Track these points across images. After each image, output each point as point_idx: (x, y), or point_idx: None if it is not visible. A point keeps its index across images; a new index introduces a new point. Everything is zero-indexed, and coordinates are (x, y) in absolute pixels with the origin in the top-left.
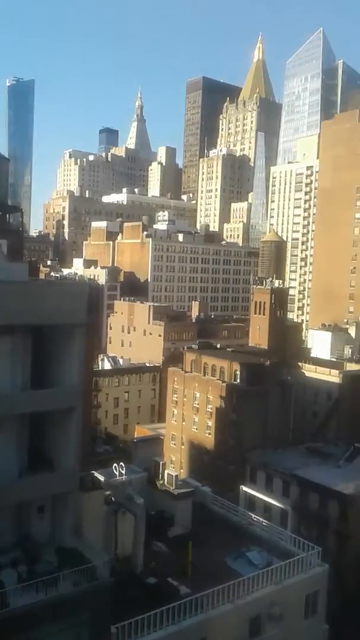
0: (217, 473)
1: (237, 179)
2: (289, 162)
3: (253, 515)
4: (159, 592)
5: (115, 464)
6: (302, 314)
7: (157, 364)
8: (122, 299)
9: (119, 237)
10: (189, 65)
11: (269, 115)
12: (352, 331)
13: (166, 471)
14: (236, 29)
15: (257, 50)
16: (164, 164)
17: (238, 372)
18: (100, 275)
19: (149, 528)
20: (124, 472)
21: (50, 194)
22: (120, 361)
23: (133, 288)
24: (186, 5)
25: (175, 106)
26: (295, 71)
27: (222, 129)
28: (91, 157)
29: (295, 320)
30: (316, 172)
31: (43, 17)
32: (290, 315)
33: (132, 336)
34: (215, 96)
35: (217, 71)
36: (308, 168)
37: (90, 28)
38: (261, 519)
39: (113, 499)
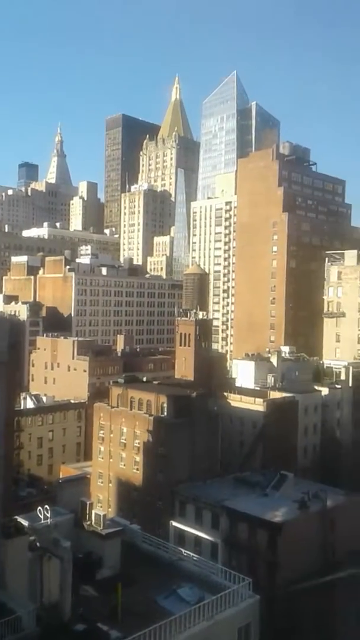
0: (146, 509)
1: (159, 213)
2: (209, 198)
3: (183, 551)
4: (89, 639)
5: (39, 507)
6: (226, 344)
7: (82, 400)
8: (44, 334)
9: (41, 271)
10: (108, 103)
11: (188, 152)
12: (274, 360)
13: (93, 511)
14: (154, 69)
15: (174, 91)
16: (85, 199)
17: (165, 405)
18: (21, 311)
19: (77, 572)
20: (49, 515)
21: None
22: (44, 399)
23: (56, 323)
24: (104, 45)
25: (95, 142)
26: (211, 111)
27: (143, 165)
28: (10, 192)
29: (220, 350)
30: (234, 207)
31: None
32: (214, 346)
33: (56, 372)
34: (135, 133)
35: (136, 109)
36: (227, 203)
37: (9, 61)
38: (191, 554)
39: (38, 544)
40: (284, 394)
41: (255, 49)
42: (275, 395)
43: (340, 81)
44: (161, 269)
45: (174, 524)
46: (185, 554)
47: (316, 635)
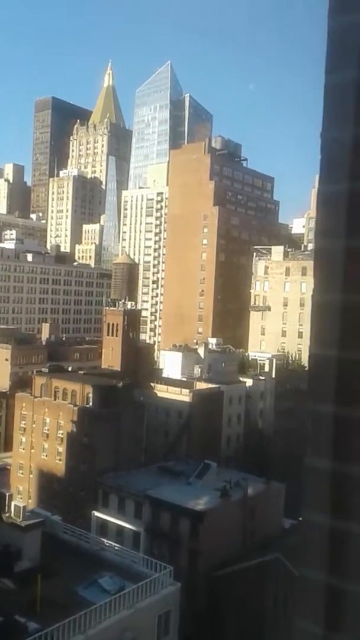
0: (69, 500)
1: (89, 200)
2: (140, 187)
3: (105, 541)
4: (5, 630)
5: None
6: (155, 335)
7: (3, 390)
8: None
9: None
10: (38, 85)
11: (120, 140)
12: (201, 351)
13: (13, 502)
14: (87, 53)
15: (107, 76)
16: (10, 181)
17: (91, 395)
18: None
19: None
20: None
21: None
22: None
23: None
24: (37, 25)
25: (23, 124)
26: (145, 100)
27: (73, 150)
28: None
29: (148, 341)
30: (166, 198)
31: None
32: (142, 337)
33: None
34: (65, 117)
35: (67, 93)
36: (158, 194)
37: None
38: (113, 544)
39: None
40: (210, 385)
41: (191, 42)
42: (202, 386)
43: (273, 82)
44: (90, 257)
45: (97, 514)
46: (107, 544)
47: (236, 619)
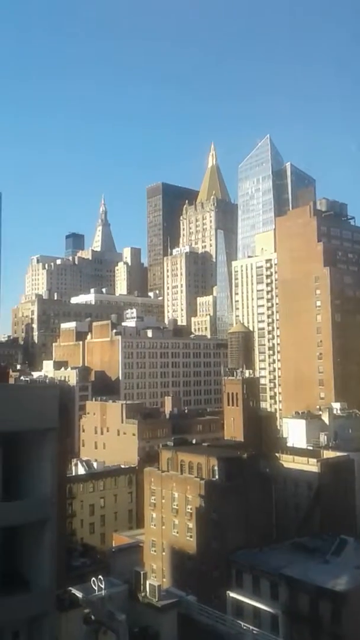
0: (202, 579)
1: (201, 274)
2: (249, 256)
3: (242, 623)
4: None
5: (93, 578)
6: (275, 402)
7: (132, 465)
8: (93, 398)
9: (89, 336)
10: (148, 171)
11: (226, 214)
12: (325, 417)
13: (148, 581)
14: (190, 138)
15: (210, 157)
16: (129, 264)
17: (216, 468)
18: (70, 376)
19: None
20: (103, 586)
21: (18, 298)
22: (95, 464)
23: (104, 387)
24: (142, 118)
25: (137, 210)
26: (247, 174)
27: (183, 229)
28: (58, 261)
29: (269, 409)
30: (275, 264)
31: (7, 126)
32: (263, 405)
33: (106, 437)
34: (175, 199)
35: (174, 177)
36: (267, 261)
37: (58, 136)
38: (251, 627)
39: (93, 617)
40: (338, 453)
41: (287, 111)
42: (329, 454)
43: None
44: (205, 328)
45: (231, 594)
46: (244, 627)
47: None
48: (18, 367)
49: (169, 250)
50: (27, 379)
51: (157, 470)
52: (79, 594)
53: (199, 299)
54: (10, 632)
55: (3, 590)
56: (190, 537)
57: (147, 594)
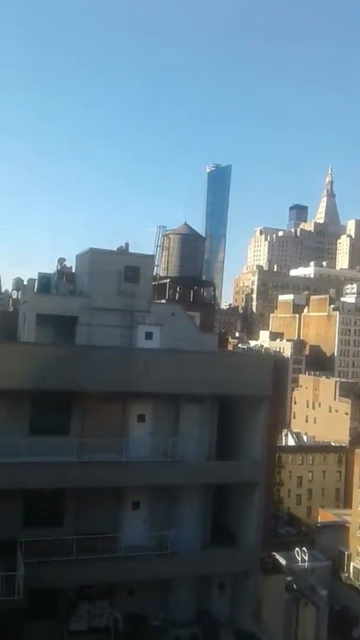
0: None
1: None
2: None
3: None
4: None
5: (297, 548)
6: None
7: (343, 444)
8: (307, 373)
9: (305, 310)
10: None
11: None
12: None
13: (352, 563)
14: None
15: None
16: (353, 237)
17: None
18: (285, 348)
19: (331, 624)
20: (306, 558)
21: (240, 269)
22: (304, 438)
23: (318, 362)
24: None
25: None
26: None
27: None
28: (280, 233)
29: None
30: None
31: (235, 107)
32: None
33: (317, 412)
34: None
35: None
36: None
37: (289, 110)
38: None
39: (294, 586)
40: None
41: None
42: None
43: None
44: None
45: None
46: None
47: None
48: (237, 334)
49: None
50: (244, 346)
51: None
52: (283, 561)
53: None
54: (216, 582)
55: (213, 542)
56: None
57: (351, 575)
